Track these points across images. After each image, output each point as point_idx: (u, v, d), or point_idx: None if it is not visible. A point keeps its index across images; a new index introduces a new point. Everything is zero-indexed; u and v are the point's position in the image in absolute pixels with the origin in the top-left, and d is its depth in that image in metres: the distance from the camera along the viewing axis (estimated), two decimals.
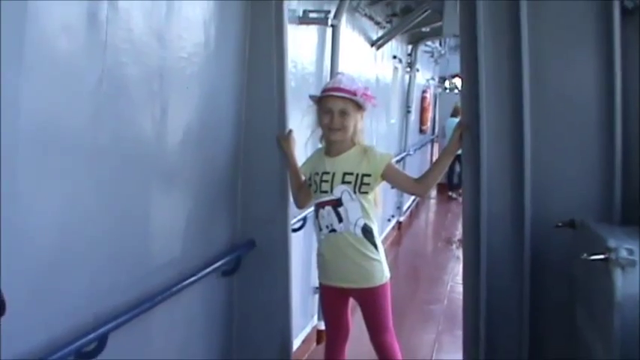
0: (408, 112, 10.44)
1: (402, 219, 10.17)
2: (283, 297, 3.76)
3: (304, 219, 4.51)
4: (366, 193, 3.39)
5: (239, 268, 3.62)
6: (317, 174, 3.46)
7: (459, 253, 9.36)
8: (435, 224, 12.12)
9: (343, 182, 3.38)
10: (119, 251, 2.58)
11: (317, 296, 5.44)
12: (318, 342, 5.36)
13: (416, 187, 3.49)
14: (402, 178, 3.54)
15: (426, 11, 7.38)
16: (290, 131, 3.67)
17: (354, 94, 3.37)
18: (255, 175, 3.68)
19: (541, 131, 3.10)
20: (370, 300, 3.48)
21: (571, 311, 2.87)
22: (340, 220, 3.38)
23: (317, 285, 5.42)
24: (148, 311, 2.67)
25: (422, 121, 12.71)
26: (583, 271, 2.69)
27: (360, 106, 3.43)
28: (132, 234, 2.70)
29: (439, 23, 8.21)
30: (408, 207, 10.88)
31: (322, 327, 5.39)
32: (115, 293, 2.55)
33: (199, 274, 3.13)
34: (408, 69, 10.29)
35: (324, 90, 3.48)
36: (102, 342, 2.34)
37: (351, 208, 3.37)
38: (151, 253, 2.87)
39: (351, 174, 3.37)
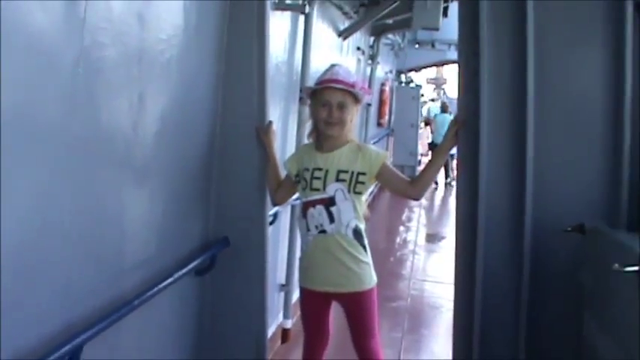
0: (369, 104, 10.30)
1: None
2: (259, 297, 3.57)
3: (275, 215, 4.33)
4: (360, 193, 3.21)
5: (213, 267, 3.40)
6: (307, 170, 3.26)
7: (417, 248, 9.37)
8: (391, 219, 11.97)
9: (337, 180, 3.18)
10: (94, 250, 2.35)
11: (282, 294, 5.32)
12: (283, 341, 5.24)
13: (411, 189, 3.29)
14: (397, 179, 3.32)
15: (395, 2, 7.21)
16: (270, 122, 3.46)
17: (353, 86, 3.20)
18: (230, 169, 3.48)
19: (545, 129, 2.95)
20: (358, 305, 3.29)
21: (574, 321, 2.72)
22: (332, 220, 3.18)
23: (283, 282, 5.40)
24: (123, 317, 2.42)
25: (380, 114, 12.63)
26: (596, 279, 2.54)
27: (357, 100, 3.27)
28: (107, 230, 2.46)
29: (406, 15, 8.13)
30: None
31: (288, 326, 5.31)
32: (90, 297, 2.31)
33: (175, 275, 2.90)
34: (370, 61, 10.16)
35: (322, 81, 3.26)
36: (76, 355, 2.08)
37: (344, 208, 3.18)
38: (126, 252, 2.64)
39: (346, 172, 3.18)
